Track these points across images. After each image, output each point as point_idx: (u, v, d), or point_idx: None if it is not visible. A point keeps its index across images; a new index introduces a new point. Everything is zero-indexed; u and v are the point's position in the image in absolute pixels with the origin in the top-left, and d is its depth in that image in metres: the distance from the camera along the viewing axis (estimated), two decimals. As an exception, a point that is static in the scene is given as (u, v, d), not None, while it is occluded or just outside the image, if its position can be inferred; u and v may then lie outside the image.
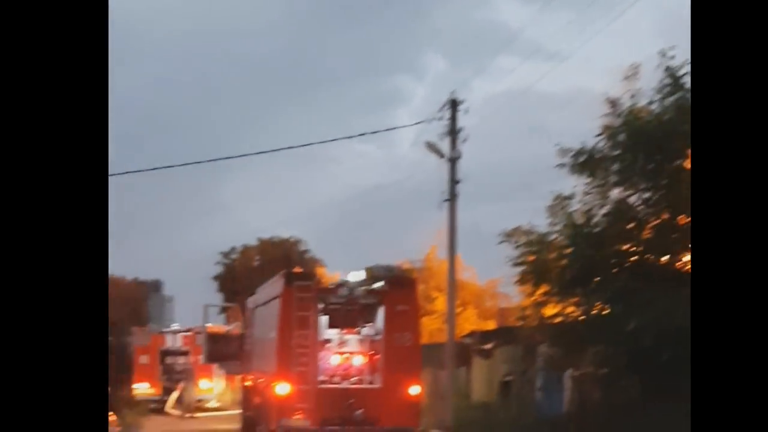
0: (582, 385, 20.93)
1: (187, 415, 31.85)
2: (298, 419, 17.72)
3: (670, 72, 18.01)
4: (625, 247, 18.94)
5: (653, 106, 18.45)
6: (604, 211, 19.19)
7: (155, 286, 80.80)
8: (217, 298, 54.92)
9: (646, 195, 18.57)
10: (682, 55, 17.72)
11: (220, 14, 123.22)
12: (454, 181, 23.47)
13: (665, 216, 18.34)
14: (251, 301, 23.64)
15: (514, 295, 29.04)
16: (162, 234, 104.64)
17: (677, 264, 18.26)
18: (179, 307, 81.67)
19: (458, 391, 26.71)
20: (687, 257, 17.74)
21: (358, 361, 18.55)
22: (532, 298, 20.43)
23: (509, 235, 20.59)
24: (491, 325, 35.80)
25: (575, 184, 19.40)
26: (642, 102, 18.64)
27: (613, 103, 18.92)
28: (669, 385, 16.11)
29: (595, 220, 19.25)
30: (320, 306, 18.28)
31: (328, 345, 18.50)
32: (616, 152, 18.69)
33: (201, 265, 73.51)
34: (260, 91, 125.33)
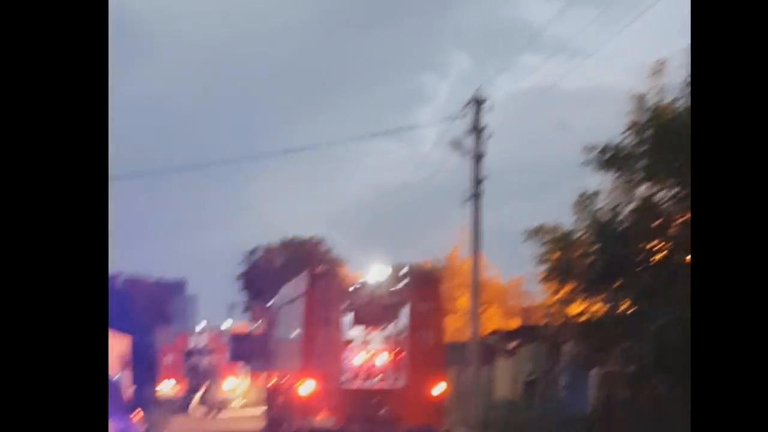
0: (608, 383, 20.78)
1: (211, 414, 31.91)
2: (322, 418, 17.70)
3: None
4: (651, 244, 18.79)
5: (680, 103, 18.31)
6: (630, 208, 19.06)
7: (179, 286, 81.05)
8: (241, 298, 55.23)
9: (673, 191, 18.41)
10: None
11: (247, 15, 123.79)
12: (477, 179, 23.38)
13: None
14: (275, 300, 23.65)
15: (538, 294, 28.87)
16: (187, 234, 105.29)
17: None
18: (204, 306, 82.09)
19: (482, 390, 26.61)
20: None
21: (382, 359, 18.50)
22: (557, 296, 20.31)
23: (534, 233, 20.52)
24: (515, 323, 35.61)
25: (600, 182, 19.31)
26: (668, 98, 18.50)
27: (640, 99, 18.79)
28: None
29: (621, 217, 19.12)
30: (344, 305, 18.26)
31: (352, 344, 18.47)
32: (643, 149, 18.56)
33: (225, 265, 73.95)
34: (284, 92, 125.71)
